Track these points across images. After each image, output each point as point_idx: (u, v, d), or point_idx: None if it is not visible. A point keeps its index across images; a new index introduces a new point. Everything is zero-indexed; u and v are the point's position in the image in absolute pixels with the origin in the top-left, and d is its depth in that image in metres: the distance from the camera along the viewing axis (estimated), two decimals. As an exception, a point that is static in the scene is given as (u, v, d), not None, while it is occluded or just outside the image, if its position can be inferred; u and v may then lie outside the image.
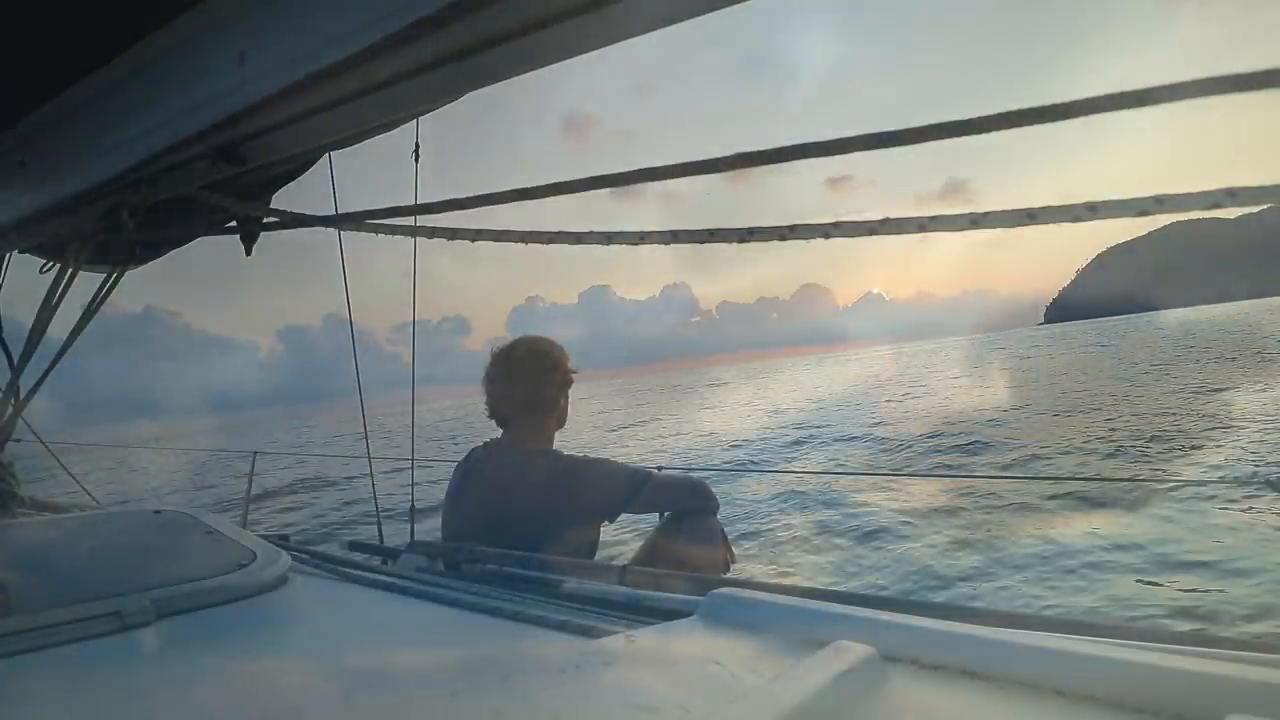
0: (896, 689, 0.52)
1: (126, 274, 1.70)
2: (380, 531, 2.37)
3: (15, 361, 1.64)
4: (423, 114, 1.21)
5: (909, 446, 10.53)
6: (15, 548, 1.16)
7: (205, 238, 1.47)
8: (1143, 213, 0.53)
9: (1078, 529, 4.94)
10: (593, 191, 0.81)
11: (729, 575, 1.77)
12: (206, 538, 1.19)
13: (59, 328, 1.59)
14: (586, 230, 0.85)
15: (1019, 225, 0.59)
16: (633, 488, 1.75)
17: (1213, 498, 5.25)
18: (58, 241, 1.51)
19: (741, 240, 0.72)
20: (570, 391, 1.85)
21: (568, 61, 0.73)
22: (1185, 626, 3.33)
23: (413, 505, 2.36)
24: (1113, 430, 9.52)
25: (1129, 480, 6.46)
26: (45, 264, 1.60)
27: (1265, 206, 0.49)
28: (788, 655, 0.58)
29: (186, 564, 1.03)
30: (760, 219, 0.79)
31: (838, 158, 0.65)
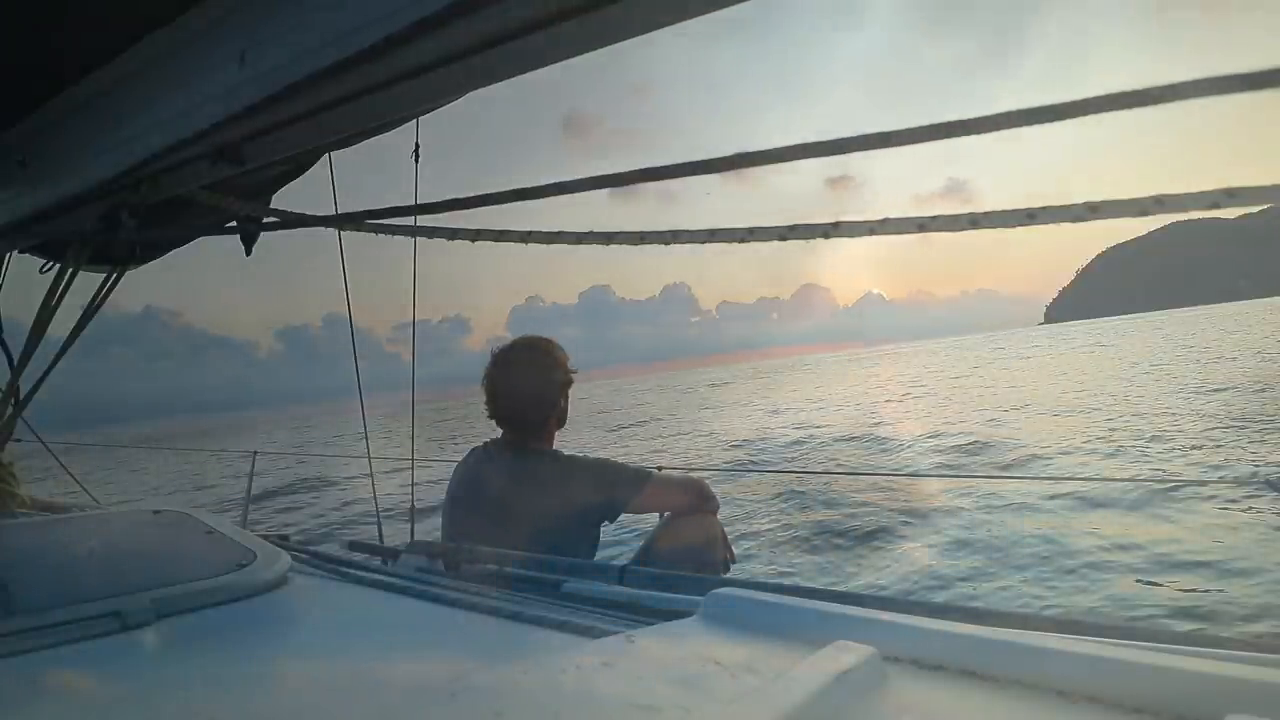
0: (896, 689, 0.52)
1: (126, 274, 1.70)
2: (380, 531, 2.37)
3: (15, 362, 1.64)
4: (423, 114, 1.21)
5: (909, 446, 10.53)
6: (15, 548, 1.16)
7: (205, 238, 1.47)
8: (1143, 213, 0.52)
9: (1078, 529, 4.93)
10: (593, 191, 0.81)
11: (729, 575, 1.77)
12: (206, 538, 1.19)
13: (59, 328, 1.59)
14: (586, 230, 0.85)
15: (1019, 225, 0.59)
16: (633, 487, 1.75)
17: (1213, 498, 5.25)
18: (58, 241, 1.51)
19: (741, 240, 0.72)
20: (570, 391, 1.85)
21: (567, 61, 0.73)
22: (1185, 626, 3.33)
23: (413, 505, 2.37)
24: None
25: (1129, 480, 6.46)
26: (45, 264, 1.60)
27: (1266, 206, 0.49)
28: (788, 655, 0.58)
29: (186, 564, 1.03)
30: (760, 219, 0.79)
31: (838, 158, 0.65)
